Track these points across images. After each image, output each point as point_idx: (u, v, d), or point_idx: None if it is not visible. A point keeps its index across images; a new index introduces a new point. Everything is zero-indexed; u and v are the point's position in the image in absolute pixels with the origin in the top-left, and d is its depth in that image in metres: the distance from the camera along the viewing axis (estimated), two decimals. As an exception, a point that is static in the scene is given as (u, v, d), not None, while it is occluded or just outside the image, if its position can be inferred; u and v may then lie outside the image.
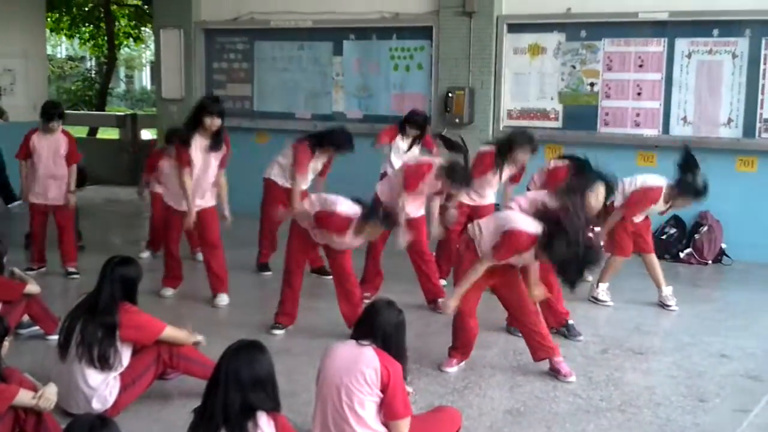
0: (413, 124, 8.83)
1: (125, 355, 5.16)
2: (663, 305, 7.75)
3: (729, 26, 9.60)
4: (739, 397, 5.72)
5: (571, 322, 6.87)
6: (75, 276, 8.50)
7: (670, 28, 9.88)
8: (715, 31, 9.66)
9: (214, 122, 7.32)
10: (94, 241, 9.97)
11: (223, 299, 7.69)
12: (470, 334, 6.09)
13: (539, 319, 6.07)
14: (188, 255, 8.97)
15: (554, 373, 5.95)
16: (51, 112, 8.47)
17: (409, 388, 4.61)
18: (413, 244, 7.43)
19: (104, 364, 5.03)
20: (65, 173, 8.45)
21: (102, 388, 5.05)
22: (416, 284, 7.75)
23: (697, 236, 9.62)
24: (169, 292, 7.93)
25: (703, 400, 5.64)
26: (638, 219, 7.66)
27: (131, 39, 24.24)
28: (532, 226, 5.64)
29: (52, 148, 8.43)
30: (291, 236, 6.84)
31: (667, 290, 7.78)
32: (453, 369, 6.10)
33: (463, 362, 6.16)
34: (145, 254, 9.31)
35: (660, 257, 8.16)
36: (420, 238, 7.47)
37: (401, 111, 10.16)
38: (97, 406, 5.02)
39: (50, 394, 4.42)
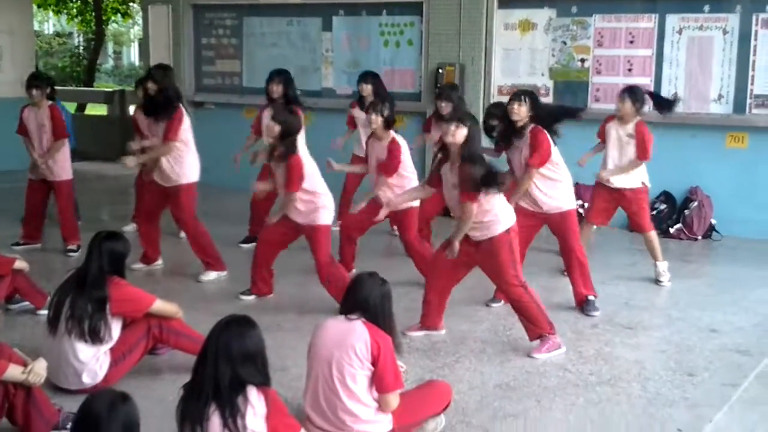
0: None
1: (115, 328, 5.14)
2: (656, 280, 7.77)
3: (720, 2, 9.57)
4: (728, 371, 5.74)
5: (591, 297, 6.88)
6: (71, 254, 8.44)
7: (660, 4, 9.85)
8: (706, 7, 9.63)
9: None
10: (84, 217, 9.91)
11: (207, 276, 7.68)
12: (428, 304, 6.23)
13: (522, 292, 5.94)
14: (174, 231, 8.93)
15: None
16: (28, 83, 8.42)
17: (401, 364, 4.62)
18: (404, 235, 7.43)
19: (95, 337, 5.02)
20: (54, 150, 8.36)
21: (92, 362, 5.04)
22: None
23: (687, 212, 9.64)
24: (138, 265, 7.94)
25: (692, 374, 5.66)
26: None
27: (119, 15, 24.08)
28: None
29: (37, 122, 8.38)
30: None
31: (662, 265, 7.79)
32: (413, 333, 6.21)
33: (428, 331, 6.26)
34: (129, 227, 9.23)
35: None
36: (412, 230, 7.40)
37: (392, 87, 10.14)
38: (87, 380, 5.02)
39: (40, 369, 4.41)
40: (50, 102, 8.47)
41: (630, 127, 7.48)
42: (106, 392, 3.37)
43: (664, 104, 7.65)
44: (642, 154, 7.46)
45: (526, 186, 6.71)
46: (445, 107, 8.12)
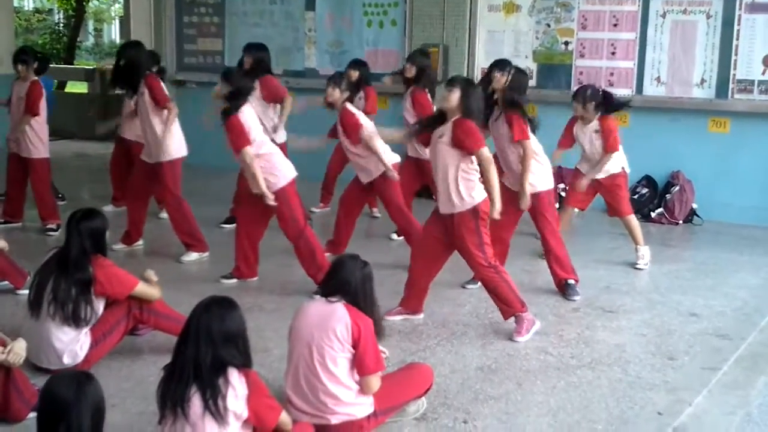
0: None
1: (99, 309, 5.10)
2: (634, 264, 7.79)
3: (704, -14, 9.58)
4: (708, 355, 5.78)
5: (571, 281, 6.89)
6: (50, 233, 8.36)
7: (645, -13, 9.86)
8: (690, -9, 9.65)
9: None
10: (66, 197, 9.83)
11: (189, 256, 7.64)
12: (410, 288, 6.20)
13: (492, 274, 5.93)
14: (156, 211, 8.87)
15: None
16: (14, 57, 8.41)
17: (383, 349, 4.61)
18: (388, 201, 7.40)
19: (78, 321, 4.98)
20: (34, 123, 8.28)
21: (73, 343, 5.00)
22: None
23: (668, 196, 9.66)
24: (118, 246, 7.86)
25: (672, 358, 5.69)
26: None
27: (100, -9, 23.85)
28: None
29: (18, 95, 8.34)
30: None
31: (643, 249, 7.80)
32: (393, 318, 6.14)
33: (407, 315, 6.22)
34: (109, 208, 9.15)
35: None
36: (396, 197, 7.37)
37: (375, 68, 10.09)
38: (68, 361, 4.98)
39: (20, 349, 4.38)
40: (35, 78, 8.38)
41: (595, 124, 7.49)
42: (69, 375, 3.32)
43: (616, 106, 7.64)
44: (609, 147, 7.45)
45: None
46: (409, 69, 8.19)
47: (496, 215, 5.79)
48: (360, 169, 7.33)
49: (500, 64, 6.98)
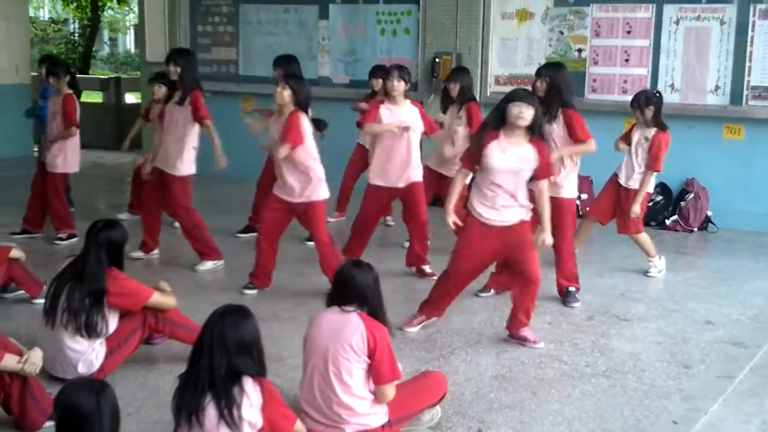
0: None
1: (112, 320, 5.11)
2: (645, 271, 7.78)
3: (717, -8, 9.56)
4: (724, 363, 5.75)
5: (571, 289, 6.89)
6: (58, 242, 8.36)
7: (658, -6, 9.85)
8: (704, -3, 9.63)
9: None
10: (79, 205, 9.87)
11: (204, 266, 7.63)
12: (443, 295, 6.13)
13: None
14: (170, 220, 8.89)
15: (521, 341, 5.95)
16: (45, 71, 8.45)
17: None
18: (412, 210, 7.38)
19: (91, 332, 4.99)
20: (59, 136, 8.30)
21: (88, 352, 5.02)
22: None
23: (683, 204, 9.64)
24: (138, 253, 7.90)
25: (687, 366, 5.67)
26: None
27: (115, 1, 24.00)
28: None
29: (53, 108, 8.38)
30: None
31: (655, 260, 7.77)
32: (411, 329, 6.13)
33: (425, 323, 6.19)
34: (124, 215, 9.19)
35: (646, 224, 8.12)
36: (421, 204, 7.35)
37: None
38: (83, 370, 5.00)
39: (36, 359, 4.40)
40: (69, 91, 8.40)
41: (650, 132, 7.43)
42: (85, 383, 3.31)
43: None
44: (653, 163, 7.38)
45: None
46: (453, 88, 8.01)
47: (548, 241, 5.76)
48: (411, 168, 7.23)
49: (538, 72, 6.89)
